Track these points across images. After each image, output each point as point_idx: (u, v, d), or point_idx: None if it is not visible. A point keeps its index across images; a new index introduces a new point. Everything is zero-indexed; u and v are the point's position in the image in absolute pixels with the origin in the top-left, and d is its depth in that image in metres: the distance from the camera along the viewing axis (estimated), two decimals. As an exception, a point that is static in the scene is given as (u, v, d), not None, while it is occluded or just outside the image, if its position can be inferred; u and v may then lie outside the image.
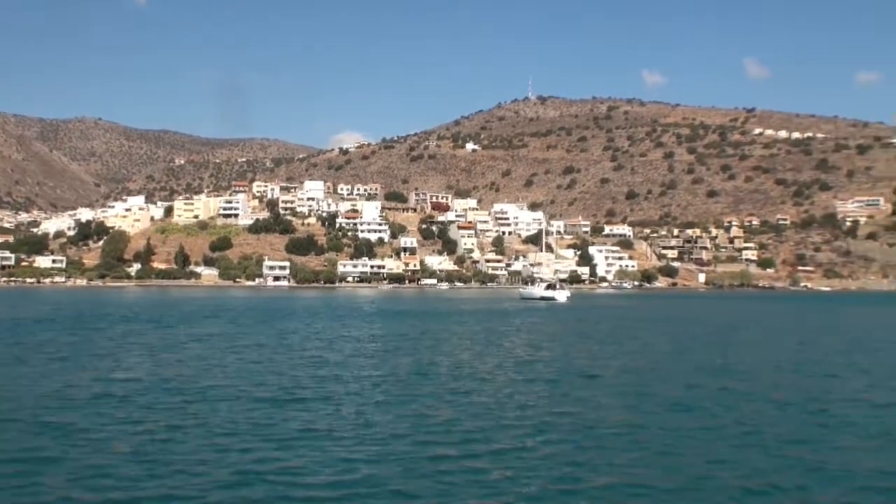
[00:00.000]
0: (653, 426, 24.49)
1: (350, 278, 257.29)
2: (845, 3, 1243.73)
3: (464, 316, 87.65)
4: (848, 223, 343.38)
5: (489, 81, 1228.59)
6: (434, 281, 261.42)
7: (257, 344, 50.40)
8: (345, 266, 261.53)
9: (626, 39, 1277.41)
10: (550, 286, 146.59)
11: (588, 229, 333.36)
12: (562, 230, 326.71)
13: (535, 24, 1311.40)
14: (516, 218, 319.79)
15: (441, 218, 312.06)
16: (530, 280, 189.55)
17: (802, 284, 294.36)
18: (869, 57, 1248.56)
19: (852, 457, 21.00)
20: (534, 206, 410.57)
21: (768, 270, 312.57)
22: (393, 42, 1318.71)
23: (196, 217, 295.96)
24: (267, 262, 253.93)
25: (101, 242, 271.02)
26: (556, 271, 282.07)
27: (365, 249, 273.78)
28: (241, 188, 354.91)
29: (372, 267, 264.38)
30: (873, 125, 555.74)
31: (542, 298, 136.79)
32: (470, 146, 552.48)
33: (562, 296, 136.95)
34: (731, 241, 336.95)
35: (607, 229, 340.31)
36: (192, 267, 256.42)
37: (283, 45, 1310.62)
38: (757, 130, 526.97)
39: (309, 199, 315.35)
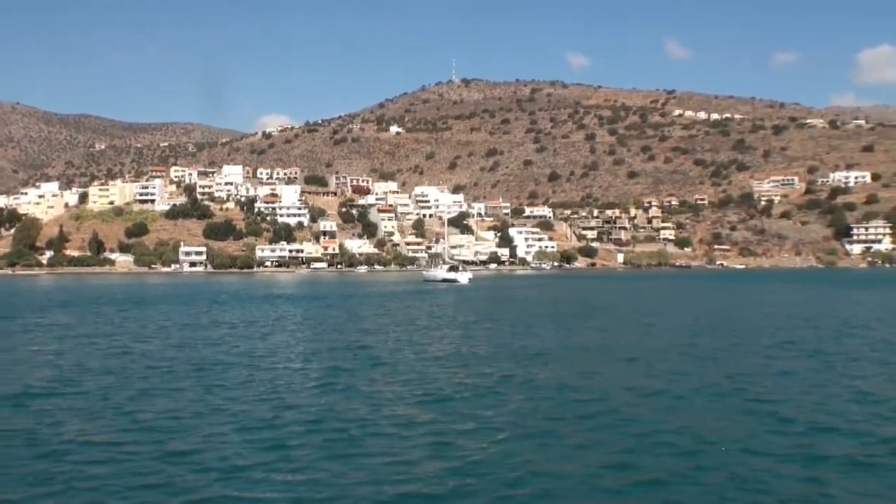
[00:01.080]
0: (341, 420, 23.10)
1: (268, 263, 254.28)
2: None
3: (336, 299, 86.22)
4: (763, 202, 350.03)
5: (415, 64, 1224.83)
6: (361, 266, 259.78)
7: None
8: (263, 251, 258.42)
9: (551, 21, 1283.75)
10: (453, 268, 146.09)
11: (508, 211, 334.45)
12: (483, 212, 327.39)
13: (461, 5, 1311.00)
14: (437, 201, 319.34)
15: (361, 201, 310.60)
16: (433, 261, 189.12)
17: (718, 263, 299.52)
18: (787, 38, 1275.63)
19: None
20: (457, 189, 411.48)
21: (685, 250, 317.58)
22: (320, 24, 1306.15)
23: (112, 203, 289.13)
24: (183, 248, 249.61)
25: (12, 230, 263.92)
26: (476, 253, 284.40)
27: (284, 234, 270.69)
28: (159, 173, 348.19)
29: (290, 251, 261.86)
30: (790, 106, 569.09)
31: (445, 280, 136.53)
32: (394, 129, 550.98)
33: (464, 277, 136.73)
34: (650, 221, 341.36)
35: (528, 211, 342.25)
36: (106, 254, 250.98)
37: (206, 27, 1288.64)
38: (677, 112, 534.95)
39: (227, 183, 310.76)
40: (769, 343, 39.43)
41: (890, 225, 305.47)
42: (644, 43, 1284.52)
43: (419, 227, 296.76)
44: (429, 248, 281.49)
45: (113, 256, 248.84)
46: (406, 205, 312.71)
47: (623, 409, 22.82)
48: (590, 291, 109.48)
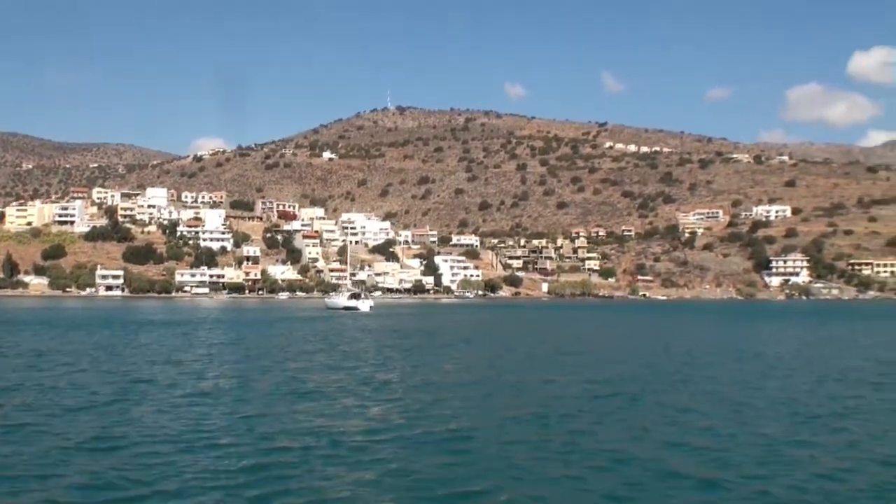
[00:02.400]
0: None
1: (188, 288, 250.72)
2: (700, 20, 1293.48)
3: (201, 325, 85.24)
4: (687, 235, 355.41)
5: (352, 91, 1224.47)
6: (283, 292, 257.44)
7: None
8: (183, 275, 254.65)
9: (490, 51, 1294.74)
10: (354, 295, 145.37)
11: (435, 239, 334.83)
12: (410, 240, 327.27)
13: (399, 34, 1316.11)
14: (364, 227, 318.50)
15: (287, 227, 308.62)
16: (335, 289, 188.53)
17: (641, 294, 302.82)
18: (721, 74, 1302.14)
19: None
20: (388, 216, 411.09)
21: (609, 280, 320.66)
22: (257, 48, 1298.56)
23: (29, 224, 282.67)
24: (99, 272, 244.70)
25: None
26: (401, 280, 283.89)
27: (205, 258, 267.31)
28: (80, 194, 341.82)
29: (211, 276, 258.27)
30: (717, 141, 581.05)
31: (346, 308, 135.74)
32: (327, 155, 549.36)
33: (365, 305, 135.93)
34: (575, 251, 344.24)
35: (455, 239, 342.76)
36: (20, 276, 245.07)
37: (142, 47, 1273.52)
38: (608, 144, 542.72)
39: (150, 206, 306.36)
40: (589, 379, 39.52)
41: (807, 258, 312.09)
42: (581, 75, 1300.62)
43: (344, 254, 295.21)
44: (353, 275, 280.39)
45: (27, 279, 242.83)
46: (332, 231, 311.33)
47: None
48: (488, 321, 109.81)
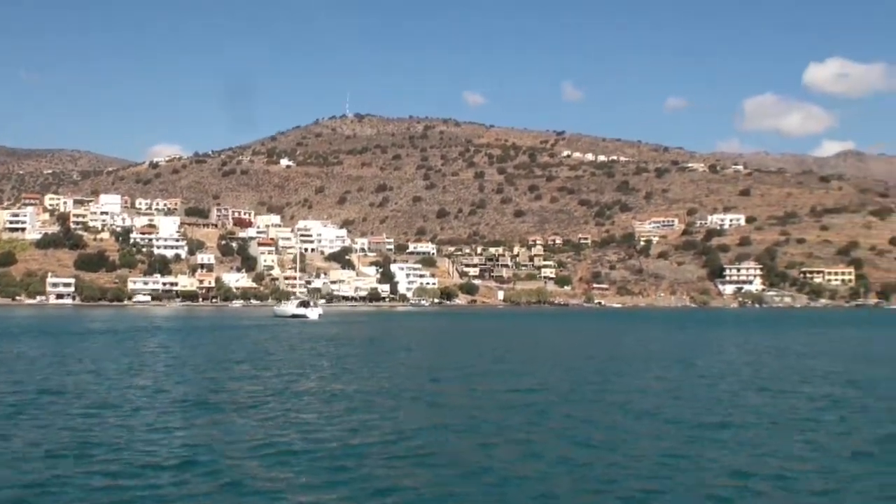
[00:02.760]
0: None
1: (141, 296, 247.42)
2: (659, 30, 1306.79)
3: (132, 334, 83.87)
4: (643, 243, 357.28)
5: (311, 98, 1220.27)
6: (237, 300, 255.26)
7: None
8: (135, 283, 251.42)
9: (451, 60, 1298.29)
10: (303, 304, 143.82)
11: (392, 247, 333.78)
12: (366, 247, 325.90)
13: (359, 41, 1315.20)
14: (320, 235, 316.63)
15: (242, 234, 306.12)
16: (290, 297, 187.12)
17: (596, 301, 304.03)
18: (678, 84, 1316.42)
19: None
20: (346, 224, 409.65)
21: (565, 288, 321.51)
22: (217, 54, 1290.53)
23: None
24: (50, 279, 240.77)
25: None
26: (356, 288, 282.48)
27: (159, 266, 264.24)
28: (32, 201, 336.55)
29: (164, 284, 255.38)
30: (674, 150, 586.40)
31: (294, 316, 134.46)
32: (284, 162, 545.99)
33: (313, 313, 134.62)
34: (532, 259, 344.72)
35: (412, 247, 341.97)
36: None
37: (100, 52, 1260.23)
38: (565, 153, 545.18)
39: (103, 213, 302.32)
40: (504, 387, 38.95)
41: (760, 267, 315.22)
42: (540, 83, 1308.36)
43: (300, 262, 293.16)
44: (308, 282, 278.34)
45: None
46: (288, 238, 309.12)
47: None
48: (435, 330, 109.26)
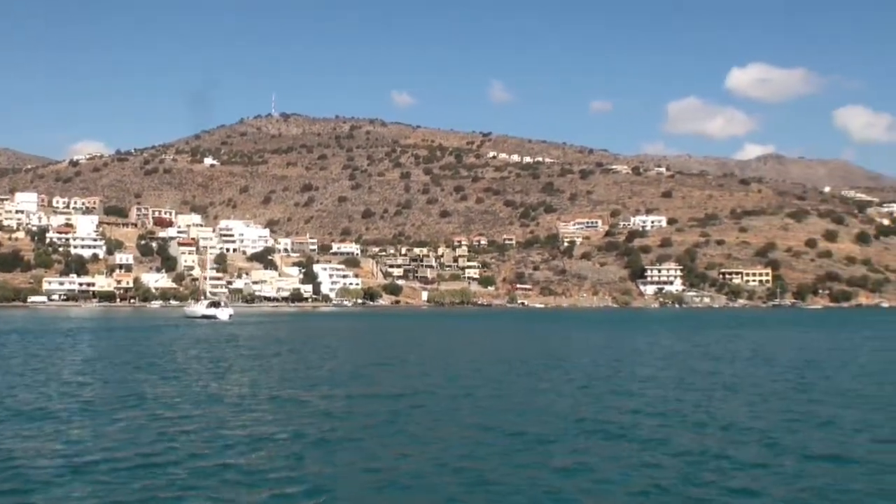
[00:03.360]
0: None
1: (56, 296, 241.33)
2: (586, 32, 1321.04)
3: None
4: (566, 244, 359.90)
5: (236, 96, 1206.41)
6: (156, 300, 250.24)
7: None
8: (51, 283, 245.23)
9: (378, 60, 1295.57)
10: (213, 304, 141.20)
11: (315, 247, 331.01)
12: (289, 248, 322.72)
13: (286, 39, 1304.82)
14: (242, 235, 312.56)
15: (163, 234, 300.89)
16: (195, 297, 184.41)
17: (519, 302, 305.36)
18: (605, 87, 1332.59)
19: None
20: (270, 224, 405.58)
21: (489, 288, 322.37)
22: (143, 51, 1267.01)
23: None
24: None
25: None
26: (279, 289, 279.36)
27: (75, 266, 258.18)
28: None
29: (81, 284, 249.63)
30: (598, 152, 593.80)
31: (204, 317, 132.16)
32: (208, 161, 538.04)
33: (224, 314, 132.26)
34: (456, 259, 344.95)
35: (336, 247, 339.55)
36: None
37: (21, 48, 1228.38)
38: (491, 154, 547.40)
39: (19, 211, 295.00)
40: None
41: (681, 267, 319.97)
42: (469, 84, 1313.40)
43: (221, 262, 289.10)
44: (229, 283, 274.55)
45: None
46: (209, 238, 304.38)
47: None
48: (343, 330, 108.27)
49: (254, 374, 43.99)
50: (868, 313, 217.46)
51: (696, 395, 35.15)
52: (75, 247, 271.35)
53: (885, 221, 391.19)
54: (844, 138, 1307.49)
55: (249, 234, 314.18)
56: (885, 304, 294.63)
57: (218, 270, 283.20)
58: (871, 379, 42.81)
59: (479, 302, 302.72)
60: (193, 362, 51.58)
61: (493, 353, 64.90)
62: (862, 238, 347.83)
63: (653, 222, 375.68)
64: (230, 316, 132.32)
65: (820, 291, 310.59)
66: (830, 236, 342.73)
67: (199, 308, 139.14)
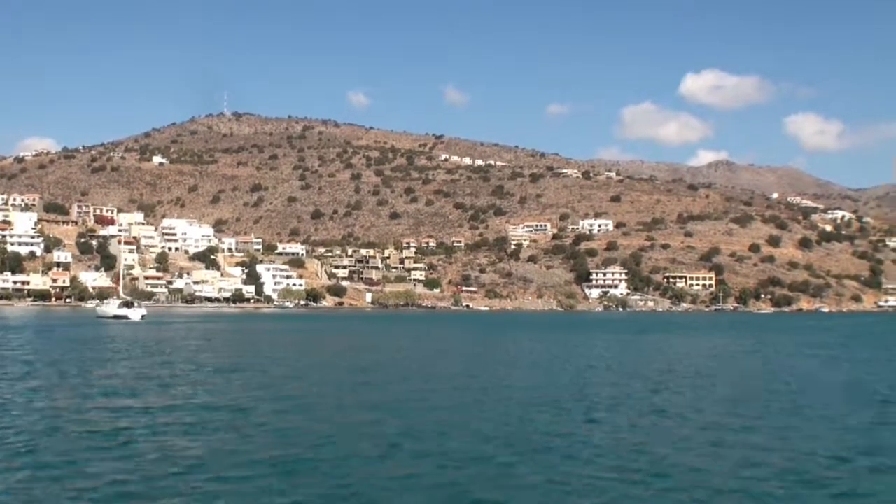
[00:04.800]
0: None
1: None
2: (542, 36, 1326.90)
3: None
4: (514, 246, 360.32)
5: (187, 94, 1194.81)
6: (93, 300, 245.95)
7: None
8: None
9: (336, 59, 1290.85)
10: (126, 304, 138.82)
11: (260, 247, 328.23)
12: (233, 247, 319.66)
13: (242, 38, 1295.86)
14: (185, 234, 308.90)
15: (104, 232, 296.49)
16: (107, 297, 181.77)
17: (464, 304, 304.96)
18: (561, 91, 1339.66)
19: None
20: (219, 224, 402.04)
21: (434, 290, 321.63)
22: (96, 47, 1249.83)
23: None
24: None
25: None
26: (220, 289, 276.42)
27: (11, 264, 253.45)
28: None
29: (15, 283, 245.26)
30: (549, 156, 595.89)
31: (116, 317, 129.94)
32: (157, 159, 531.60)
33: (136, 314, 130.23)
34: (402, 261, 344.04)
35: (281, 247, 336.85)
36: None
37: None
38: (443, 156, 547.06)
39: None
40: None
41: (626, 271, 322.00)
42: (425, 86, 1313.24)
43: (163, 261, 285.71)
44: (170, 282, 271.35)
45: None
46: (152, 237, 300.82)
47: None
48: (266, 333, 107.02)
49: (114, 380, 42.32)
50: (809, 318, 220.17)
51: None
52: (12, 244, 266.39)
53: (829, 228, 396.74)
54: (795, 146, 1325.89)
55: (193, 234, 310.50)
56: (826, 310, 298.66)
57: (159, 270, 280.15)
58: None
59: (424, 304, 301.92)
60: (67, 366, 49.24)
61: (429, 356, 63.82)
62: (804, 244, 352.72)
63: (600, 226, 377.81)
64: (142, 317, 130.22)
65: (762, 296, 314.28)
66: (774, 242, 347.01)
67: (111, 308, 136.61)
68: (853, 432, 27.30)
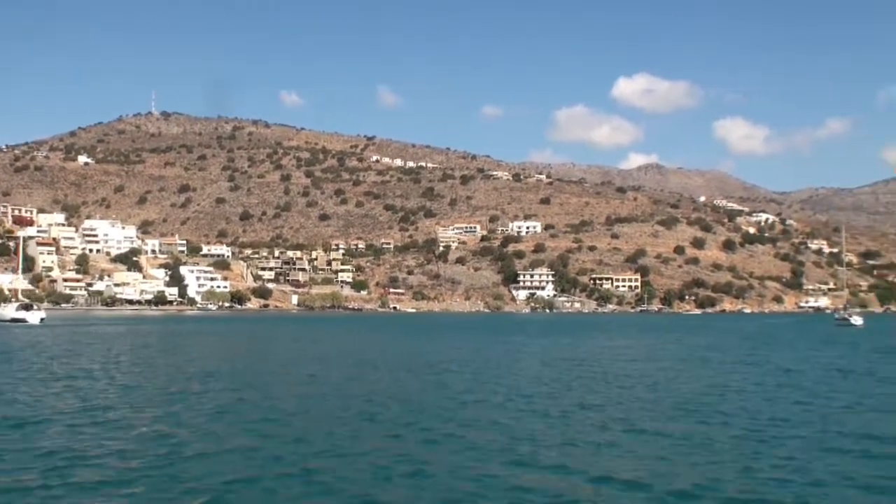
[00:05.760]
0: None
1: None
2: (476, 38, 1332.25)
3: None
4: (443, 248, 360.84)
5: (113, 93, 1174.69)
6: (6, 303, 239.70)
7: None
8: None
9: (268, 59, 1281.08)
10: (24, 307, 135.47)
11: (184, 249, 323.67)
12: (157, 249, 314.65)
13: (172, 36, 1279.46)
14: (106, 235, 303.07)
15: (21, 233, 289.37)
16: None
17: (392, 306, 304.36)
18: (494, 93, 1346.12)
19: None
20: (145, 225, 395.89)
21: (362, 292, 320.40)
22: (18, 46, 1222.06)
23: None
24: None
25: None
26: (142, 291, 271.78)
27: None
28: None
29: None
30: (481, 158, 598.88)
31: (14, 320, 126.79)
32: (83, 159, 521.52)
33: (35, 318, 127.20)
34: (330, 263, 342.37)
35: (206, 249, 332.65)
36: None
37: None
38: (374, 158, 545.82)
39: None
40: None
41: (553, 273, 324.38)
42: (359, 87, 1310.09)
43: (83, 263, 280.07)
44: (90, 285, 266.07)
45: None
46: (72, 238, 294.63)
47: None
48: (168, 336, 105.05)
49: None
50: (728, 319, 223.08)
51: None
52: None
53: (753, 230, 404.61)
54: (723, 150, 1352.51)
55: (115, 235, 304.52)
56: (748, 310, 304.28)
57: (79, 272, 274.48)
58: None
59: (351, 306, 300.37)
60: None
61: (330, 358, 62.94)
62: (728, 246, 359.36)
63: (528, 228, 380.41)
64: (41, 320, 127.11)
65: (686, 297, 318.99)
66: (698, 244, 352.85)
67: (9, 311, 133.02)
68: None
